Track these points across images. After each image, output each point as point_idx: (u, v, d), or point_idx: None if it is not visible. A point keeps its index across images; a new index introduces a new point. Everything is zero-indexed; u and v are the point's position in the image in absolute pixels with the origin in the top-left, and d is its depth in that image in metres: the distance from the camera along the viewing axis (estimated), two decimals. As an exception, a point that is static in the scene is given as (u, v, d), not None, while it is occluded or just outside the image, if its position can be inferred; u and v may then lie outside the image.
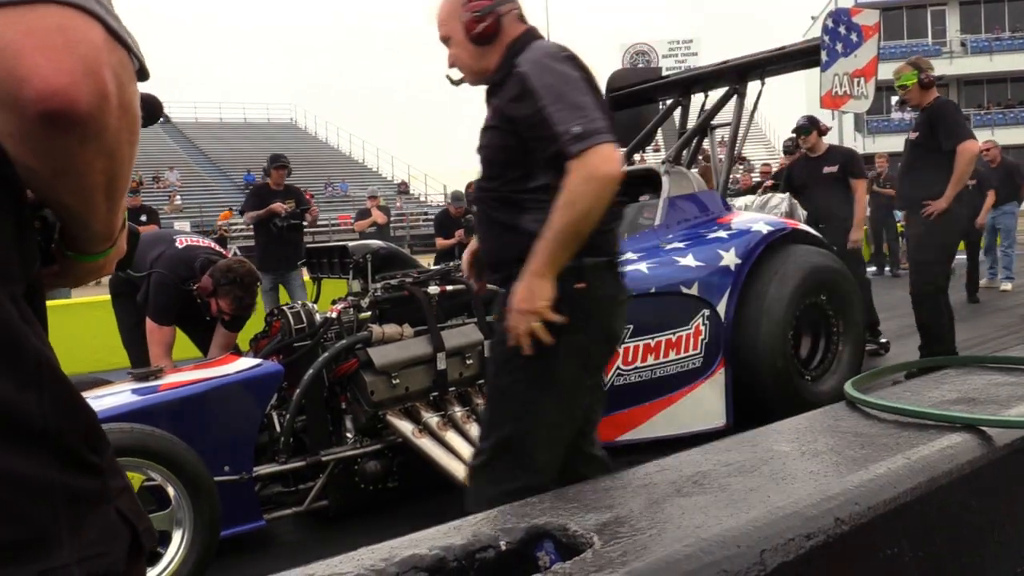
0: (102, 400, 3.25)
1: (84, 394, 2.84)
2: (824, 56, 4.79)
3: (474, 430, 3.58)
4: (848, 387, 1.15)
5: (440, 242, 9.33)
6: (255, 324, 4.28)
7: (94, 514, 0.70)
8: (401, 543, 0.68)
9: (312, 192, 36.39)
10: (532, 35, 2.26)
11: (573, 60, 2.15)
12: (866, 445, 0.92)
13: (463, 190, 9.60)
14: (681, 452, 0.96)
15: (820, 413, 1.10)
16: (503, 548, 0.70)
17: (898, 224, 11.15)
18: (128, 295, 4.71)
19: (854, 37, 4.83)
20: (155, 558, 2.91)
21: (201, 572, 2.92)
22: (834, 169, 6.38)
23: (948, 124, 5.01)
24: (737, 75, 5.41)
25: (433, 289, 3.81)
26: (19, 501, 0.62)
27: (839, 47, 4.80)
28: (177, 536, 2.91)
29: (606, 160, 2.00)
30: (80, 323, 8.59)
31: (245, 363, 3.57)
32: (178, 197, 33.02)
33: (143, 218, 9.27)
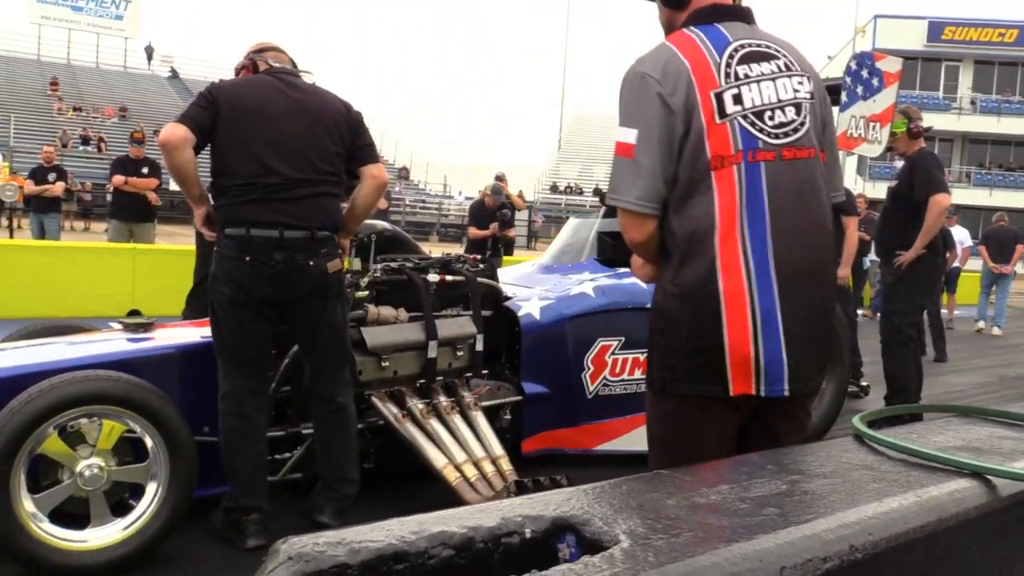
0: (91, 346, 3.24)
1: (71, 339, 2.89)
2: (844, 97, 4.83)
3: (457, 421, 3.59)
4: (857, 422, 1.17)
5: (473, 231, 9.48)
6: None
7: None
8: (429, 518, 0.69)
9: (312, 166, 36.24)
10: None
11: None
12: (877, 480, 0.94)
13: (499, 183, 9.80)
14: (694, 466, 0.97)
15: (828, 444, 1.11)
16: (528, 535, 0.71)
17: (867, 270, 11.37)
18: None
19: (875, 82, 4.87)
20: (126, 510, 2.90)
21: (171, 529, 2.91)
22: None
23: (923, 175, 5.05)
24: (756, 104, 5.43)
25: (432, 277, 3.81)
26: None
27: (859, 90, 4.84)
28: (151, 490, 2.89)
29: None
30: (68, 268, 8.53)
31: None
32: (177, 154, 32.75)
33: (144, 170, 9.19)
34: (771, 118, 1.82)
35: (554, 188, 41.82)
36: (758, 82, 1.84)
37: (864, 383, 6.52)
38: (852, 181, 32.42)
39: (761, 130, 1.82)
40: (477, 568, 0.68)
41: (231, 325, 3.06)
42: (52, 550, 2.71)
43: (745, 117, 1.81)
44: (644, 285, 4.26)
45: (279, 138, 3.03)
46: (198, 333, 3.48)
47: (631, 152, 1.82)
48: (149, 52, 47.22)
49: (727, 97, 1.80)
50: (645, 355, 4.22)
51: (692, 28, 1.90)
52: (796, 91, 1.87)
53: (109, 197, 17.95)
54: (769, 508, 0.78)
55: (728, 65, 1.83)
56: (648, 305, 4.18)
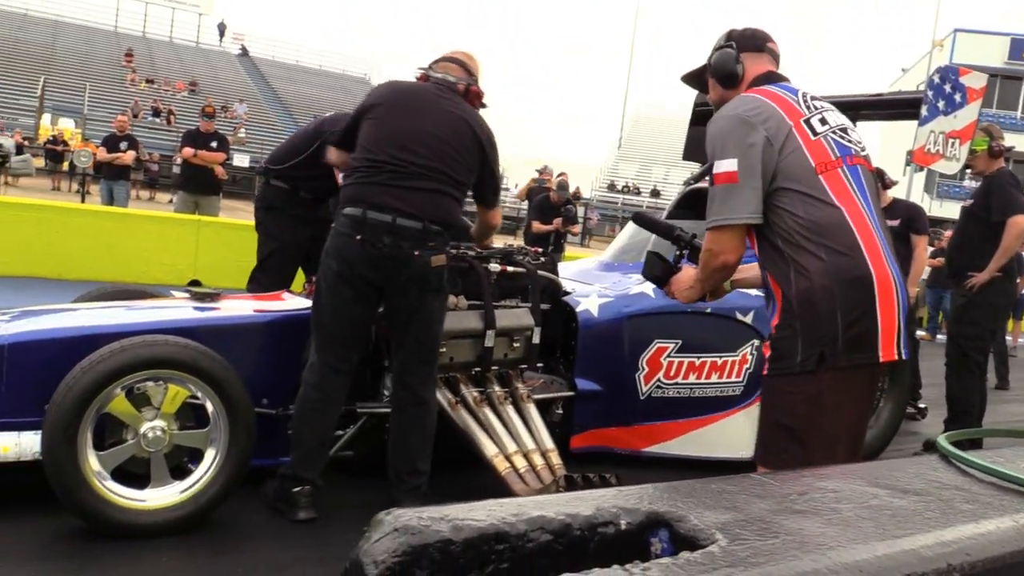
0: (161, 312, 3.32)
1: (140, 303, 3.04)
2: (924, 111, 4.71)
3: (510, 411, 3.60)
4: (943, 441, 1.15)
5: (536, 226, 9.51)
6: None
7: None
8: (527, 502, 0.70)
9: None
10: None
11: None
12: (970, 501, 0.91)
13: (564, 178, 9.85)
14: (778, 472, 0.96)
15: (915, 462, 1.09)
16: (622, 527, 0.71)
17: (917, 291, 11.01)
18: (282, 210, 4.64)
19: (958, 97, 4.74)
20: (184, 473, 2.97)
21: (227, 495, 2.97)
22: (896, 223, 6.24)
23: (1002, 195, 4.88)
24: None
25: (493, 267, 3.82)
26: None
27: (941, 104, 4.72)
28: (210, 455, 2.96)
29: None
30: (134, 235, 8.75)
31: (296, 303, 3.63)
32: (243, 130, 33.40)
33: (213, 144, 9.37)
34: (851, 134, 2.27)
35: (611, 187, 41.61)
36: (832, 111, 2.28)
37: (922, 405, 6.37)
38: (919, 198, 31.61)
39: (849, 142, 2.24)
40: (572, 555, 0.68)
41: (332, 300, 3.16)
42: (113, 507, 2.79)
43: (835, 132, 2.22)
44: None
45: (409, 130, 3.18)
46: (263, 306, 3.54)
47: (736, 178, 2.15)
48: (221, 29, 48.11)
49: (815, 121, 2.20)
50: (702, 361, 4.23)
51: (759, 87, 2.30)
52: (853, 126, 2.33)
53: (176, 169, 18.23)
54: (864, 520, 0.77)
55: (805, 101, 2.24)
56: (708, 310, 4.18)
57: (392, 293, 3.18)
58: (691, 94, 6.18)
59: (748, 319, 4.25)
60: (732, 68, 2.37)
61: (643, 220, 3.55)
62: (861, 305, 2.07)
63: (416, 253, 3.11)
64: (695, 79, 2.60)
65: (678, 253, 2.96)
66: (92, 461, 2.78)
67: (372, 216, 3.10)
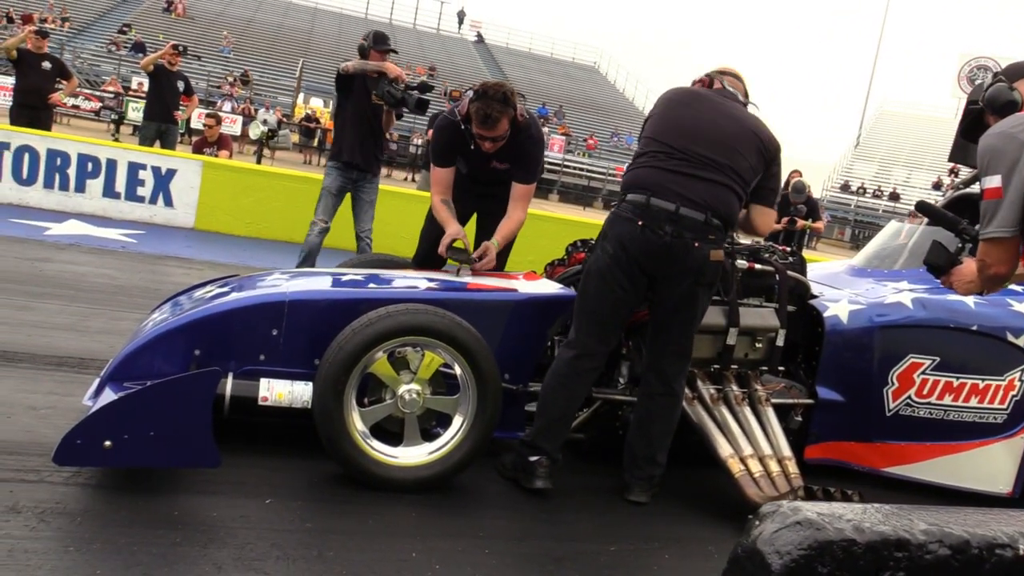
0: (417, 282, 3.52)
1: (398, 273, 3.27)
2: None
3: (747, 413, 3.50)
4: None
5: None
6: (554, 251, 4.41)
7: None
8: (920, 512, 0.67)
9: (598, 138, 36.84)
10: None
11: None
12: None
13: (802, 181, 9.66)
14: None
15: None
16: (1020, 552, 0.66)
17: None
18: None
19: None
20: (432, 437, 3.14)
21: (470, 462, 3.11)
22: None
23: None
24: None
25: (741, 263, 3.72)
26: None
27: None
28: (457, 422, 3.11)
29: None
30: (380, 208, 9.31)
31: (545, 285, 3.72)
32: (474, 114, 34.54)
33: (456, 127, 9.79)
34: None
35: (845, 187, 39.26)
36: None
37: None
38: None
39: None
40: (966, 574, 0.64)
41: (601, 284, 3.20)
42: (370, 460, 3.00)
43: None
44: (972, 305, 3.91)
45: (695, 122, 3.22)
46: (509, 285, 3.66)
47: (1000, 193, 2.31)
48: (461, 17, 50.18)
49: None
50: (961, 382, 3.89)
51: None
52: None
53: (419, 150, 19.07)
54: None
55: None
56: (974, 327, 3.84)
57: (664, 283, 3.18)
58: (945, 91, 5.67)
59: (1021, 341, 3.86)
60: (1009, 96, 2.57)
61: (928, 209, 3.37)
62: None
63: (696, 244, 3.10)
64: (969, 131, 2.83)
65: (960, 246, 3.08)
66: (355, 416, 3.00)
67: (656, 203, 3.11)
